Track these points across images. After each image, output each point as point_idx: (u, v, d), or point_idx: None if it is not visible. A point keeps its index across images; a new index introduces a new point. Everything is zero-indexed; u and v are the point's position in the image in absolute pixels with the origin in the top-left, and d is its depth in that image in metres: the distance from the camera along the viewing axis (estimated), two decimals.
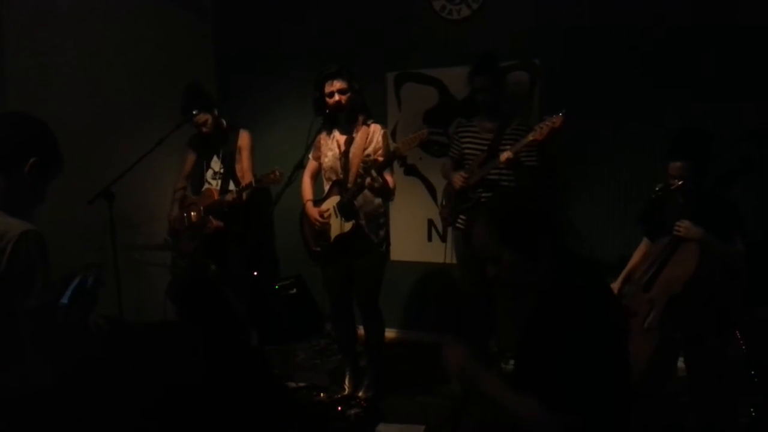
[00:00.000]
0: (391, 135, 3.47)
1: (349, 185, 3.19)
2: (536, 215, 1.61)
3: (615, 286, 2.99)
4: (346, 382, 3.52)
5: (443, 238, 4.03)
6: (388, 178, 3.16)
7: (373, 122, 3.27)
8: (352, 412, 3.25)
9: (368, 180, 3.04)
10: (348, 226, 3.19)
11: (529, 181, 3.42)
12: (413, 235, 4.40)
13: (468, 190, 3.47)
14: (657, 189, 2.86)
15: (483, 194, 3.44)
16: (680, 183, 2.74)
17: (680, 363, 2.92)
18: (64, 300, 1.65)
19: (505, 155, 3.25)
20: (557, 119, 3.10)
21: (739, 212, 2.74)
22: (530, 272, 1.59)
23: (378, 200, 3.28)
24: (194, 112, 3.64)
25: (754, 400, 2.74)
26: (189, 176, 3.97)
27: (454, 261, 3.77)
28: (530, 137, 3.18)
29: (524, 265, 1.58)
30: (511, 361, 3.53)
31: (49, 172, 1.78)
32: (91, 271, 1.74)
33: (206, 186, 3.85)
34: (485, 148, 3.45)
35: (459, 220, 3.58)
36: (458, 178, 3.47)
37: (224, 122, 3.85)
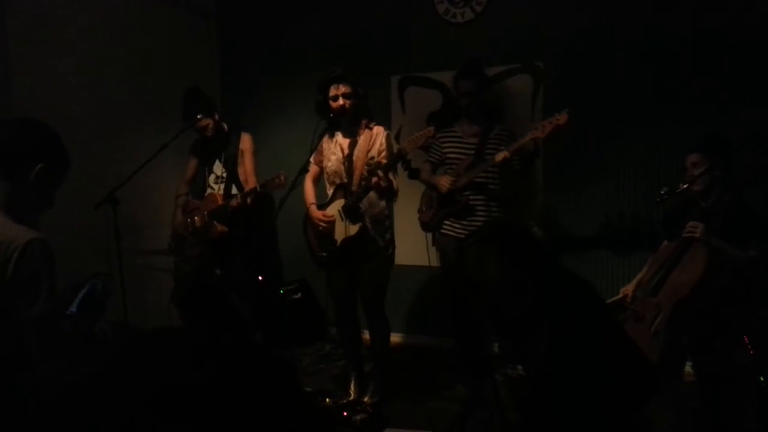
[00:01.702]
0: (395, 138, 3.47)
1: (354, 188, 3.18)
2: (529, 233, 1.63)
3: (629, 289, 2.96)
4: (352, 387, 3.51)
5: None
6: (392, 179, 3.16)
7: (375, 125, 3.26)
8: (358, 417, 3.23)
9: (375, 179, 3.03)
10: (354, 229, 3.17)
11: (514, 187, 3.46)
12: (417, 238, 4.37)
13: (455, 192, 3.46)
14: (662, 192, 2.84)
15: (471, 197, 3.44)
16: (685, 186, 2.73)
17: (688, 368, 2.91)
18: (73, 309, 1.64)
19: (501, 155, 3.25)
20: (562, 117, 3.08)
21: (757, 217, 2.72)
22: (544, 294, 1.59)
23: (383, 203, 3.27)
24: (198, 117, 3.61)
25: (763, 405, 2.71)
26: (191, 182, 3.95)
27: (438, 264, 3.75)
28: (530, 135, 3.17)
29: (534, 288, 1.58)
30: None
31: (57, 177, 1.76)
32: (99, 280, 1.73)
33: (209, 191, 3.83)
34: (471, 152, 3.45)
35: (445, 225, 3.57)
36: (445, 182, 3.45)
37: (225, 126, 3.84)
